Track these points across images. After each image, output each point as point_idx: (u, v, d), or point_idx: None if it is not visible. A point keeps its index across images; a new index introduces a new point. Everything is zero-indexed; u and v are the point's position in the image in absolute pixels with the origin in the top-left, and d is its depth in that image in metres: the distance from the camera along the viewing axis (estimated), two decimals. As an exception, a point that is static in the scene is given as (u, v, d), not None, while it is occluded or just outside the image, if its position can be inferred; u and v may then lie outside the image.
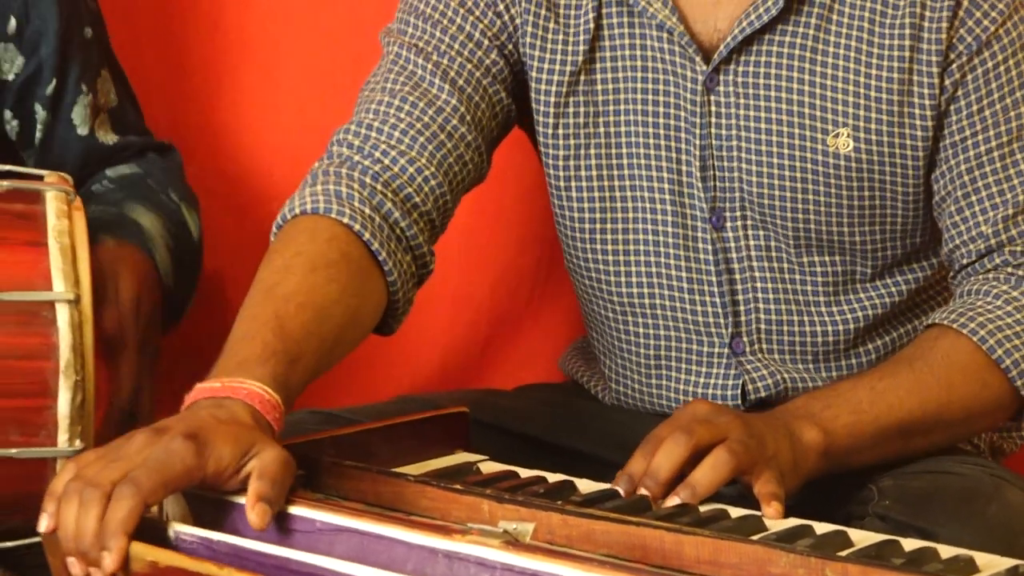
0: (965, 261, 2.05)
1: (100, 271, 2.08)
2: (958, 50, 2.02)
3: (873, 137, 2.04)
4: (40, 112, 2.26)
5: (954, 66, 2.02)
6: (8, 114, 2.26)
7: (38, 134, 2.27)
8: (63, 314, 1.87)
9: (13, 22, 2.21)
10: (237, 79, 2.55)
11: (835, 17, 2.05)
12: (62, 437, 1.86)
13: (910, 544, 1.60)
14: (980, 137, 2.04)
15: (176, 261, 2.25)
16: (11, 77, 2.24)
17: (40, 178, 1.99)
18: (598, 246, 2.15)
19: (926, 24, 2.02)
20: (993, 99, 2.03)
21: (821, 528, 1.65)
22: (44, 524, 1.57)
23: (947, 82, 2.03)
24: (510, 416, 2.18)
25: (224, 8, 2.54)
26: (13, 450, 1.86)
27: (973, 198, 2.04)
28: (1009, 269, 2.03)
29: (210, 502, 1.61)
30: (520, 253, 2.51)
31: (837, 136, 2.04)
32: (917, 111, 2.04)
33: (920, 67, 2.03)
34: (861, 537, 1.63)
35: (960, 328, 1.96)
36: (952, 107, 2.03)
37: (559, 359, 2.37)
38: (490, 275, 2.55)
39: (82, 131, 2.29)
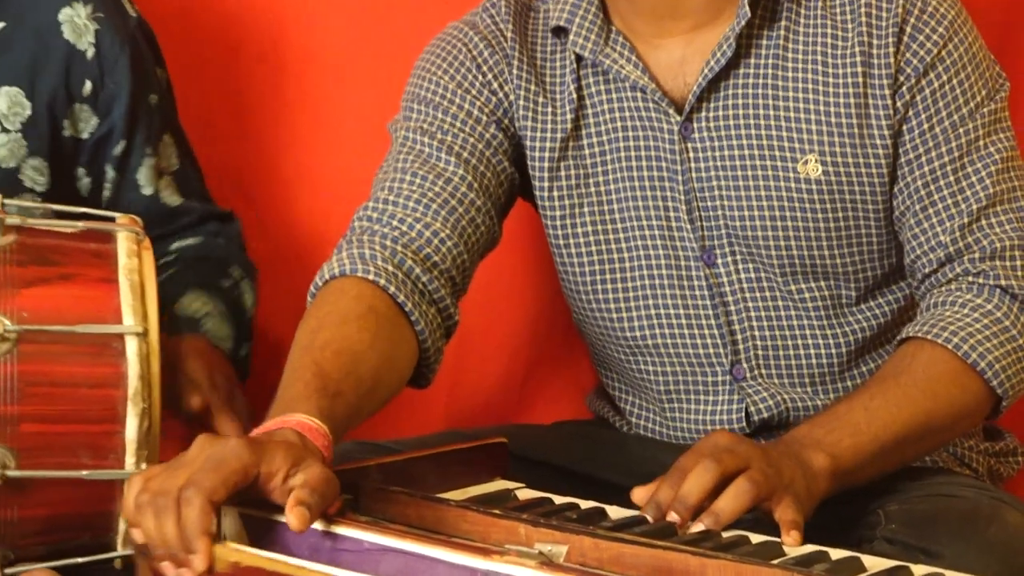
0: (927, 270, 2.06)
1: (168, 365, 2.08)
2: (906, 72, 2.05)
3: (839, 160, 2.06)
4: (109, 172, 2.28)
5: (903, 88, 2.04)
6: (81, 171, 2.28)
7: (107, 192, 2.29)
8: (132, 346, 1.88)
9: (89, 85, 2.23)
10: (296, 148, 2.56)
11: (790, 54, 2.07)
12: (129, 460, 1.88)
13: (920, 570, 1.61)
14: (933, 153, 2.05)
15: (233, 327, 2.27)
16: (86, 136, 2.26)
17: (112, 220, 2.01)
18: (600, 295, 2.17)
19: (874, 51, 2.05)
20: (942, 116, 2.05)
21: (836, 554, 1.66)
22: (136, 537, 1.59)
23: (899, 103, 2.05)
24: (545, 448, 2.19)
25: (285, 79, 2.55)
26: (84, 472, 1.87)
27: (930, 210, 2.06)
28: (970, 278, 2.04)
29: (263, 523, 1.63)
30: (551, 302, 2.49)
31: (806, 163, 2.06)
32: (876, 131, 2.05)
33: (873, 91, 2.05)
34: (874, 563, 1.64)
35: (935, 339, 1.97)
36: (905, 127, 2.05)
37: (587, 398, 2.38)
38: (526, 322, 2.55)
39: (147, 191, 2.30)
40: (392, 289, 1.93)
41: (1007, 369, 1.99)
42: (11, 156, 2.20)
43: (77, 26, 2.21)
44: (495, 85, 2.14)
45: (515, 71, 2.14)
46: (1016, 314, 2.02)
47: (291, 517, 1.56)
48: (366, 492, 1.73)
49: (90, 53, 2.22)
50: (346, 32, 2.54)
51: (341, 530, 1.61)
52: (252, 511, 1.63)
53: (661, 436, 2.20)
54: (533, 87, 2.14)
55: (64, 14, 2.21)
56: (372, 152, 2.40)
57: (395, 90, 2.39)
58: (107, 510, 1.87)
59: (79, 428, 1.88)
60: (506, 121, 2.14)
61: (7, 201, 1.95)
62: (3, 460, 1.86)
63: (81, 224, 1.98)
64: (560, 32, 2.12)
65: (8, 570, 1.90)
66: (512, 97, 2.14)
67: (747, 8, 2.03)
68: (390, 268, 1.95)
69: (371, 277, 1.93)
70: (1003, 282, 2.02)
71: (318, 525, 1.61)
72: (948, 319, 2.00)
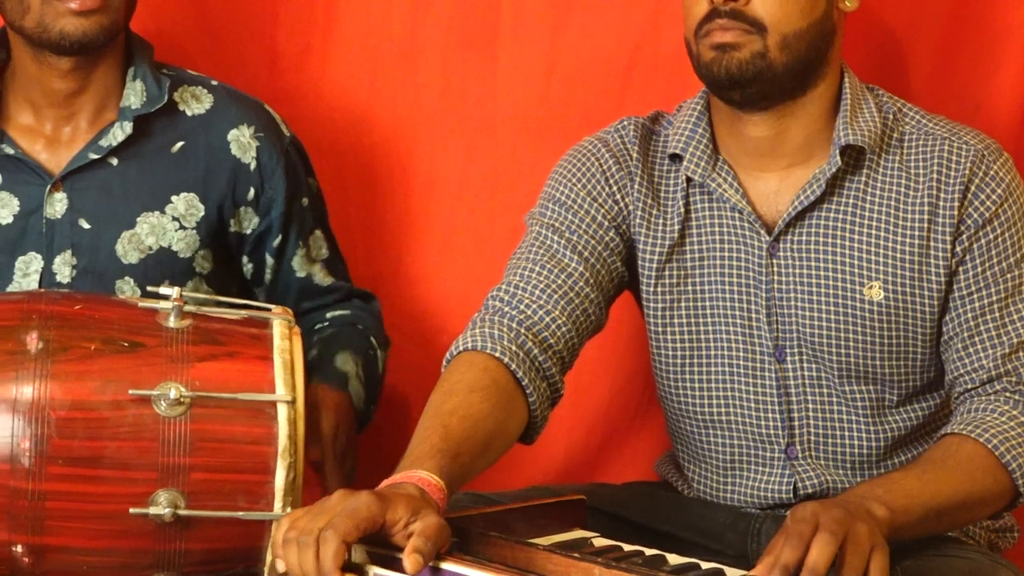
0: (969, 387, 2.05)
1: (309, 406, 2.10)
2: (966, 223, 2.04)
3: (899, 289, 2.06)
4: (269, 260, 2.31)
5: (963, 236, 2.04)
6: (245, 259, 2.32)
7: (268, 275, 2.32)
8: (282, 411, 1.92)
9: (252, 192, 2.27)
10: (423, 238, 2.56)
11: (868, 196, 2.07)
12: (278, 504, 1.90)
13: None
14: (983, 292, 2.05)
15: (367, 390, 2.28)
16: (249, 232, 2.29)
17: (268, 310, 2.03)
18: (686, 378, 2.16)
19: (941, 202, 2.05)
20: (993, 263, 2.05)
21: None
22: (279, 567, 1.64)
23: (957, 248, 2.04)
24: (618, 504, 2.18)
25: (413, 179, 2.54)
26: (241, 513, 1.90)
27: (976, 339, 2.05)
28: (1007, 394, 2.03)
29: (387, 558, 1.65)
30: (629, 381, 2.51)
31: (871, 288, 2.06)
32: (933, 269, 2.05)
33: (936, 235, 2.05)
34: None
35: (977, 437, 1.97)
36: (961, 268, 2.05)
37: (655, 464, 2.36)
38: (606, 397, 2.53)
39: (300, 274, 2.33)
40: (513, 366, 1.94)
41: None
42: (187, 248, 2.24)
43: (242, 144, 2.25)
44: (618, 196, 2.13)
45: (636, 186, 2.13)
46: None
47: (407, 561, 1.60)
48: (471, 536, 1.74)
49: (252, 165, 2.26)
50: (464, 154, 2.53)
51: (449, 566, 1.64)
52: (378, 549, 1.65)
53: (717, 499, 2.18)
54: (649, 200, 2.12)
55: (232, 135, 2.25)
56: (483, 257, 2.47)
57: (502, 199, 2.48)
58: (257, 545, 1.91)
59: (238, 477, 1.91)
60: (623, 227, 2.13)
61: (185, 293, 1.97)
62: (175, 501, 1.89)
63: (244, 312, 2.02)
64: (675, 158, 2.12)
65: (175, 593, 1.92)
66: (631, 207, 2.13)
67: (838, 158, 2.04)
68: (513, 347, 1.96)
69: (497, 354, 1.94)
70: None
71: (432, 563, 1.64)
72: (988, 423, 1.99)
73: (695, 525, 2.08)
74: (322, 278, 2.36)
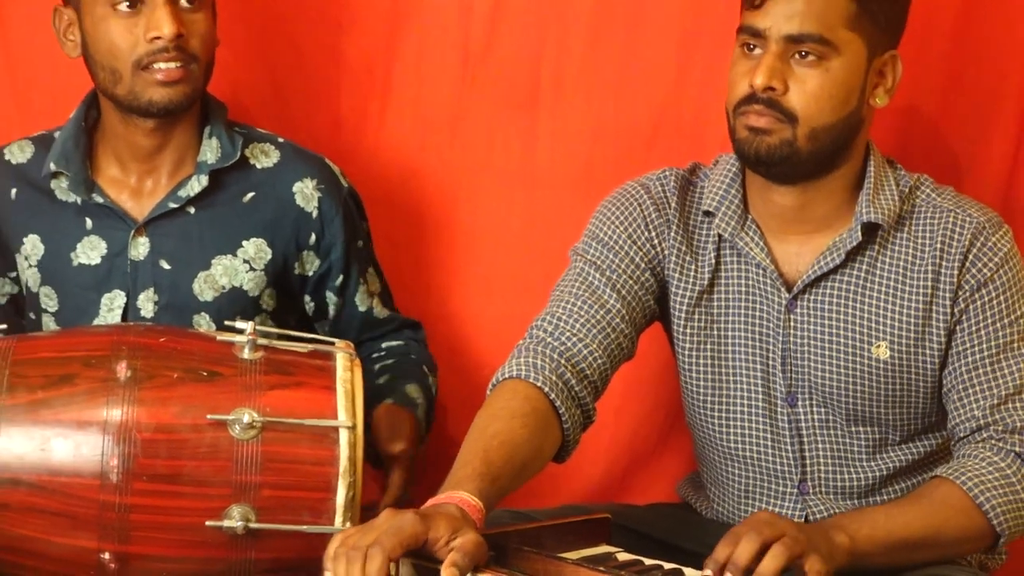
0: (962, 434, 2.04)
1: (388, 417, 2.17)
2: (964, 288, 2.03)
3: (904, 348, 2.05)
4: (332, 297, 2.31)
5: (960, 299, 2.04)
6: (307, 298, 2.32)
7: (332, 311, 2.32)
8: (344, 436, 1.92)
9: (314, 237, 2.28)
10: (466, 280, 2.56)
11: (879, 263, 2.06)
12: (338, 519, 1.91)
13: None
14: (976, 348, 2.04)
15: (427, 416, 2.30)
16: (311, 273, 2.30)
17: (332, 343, 2.04)
18: (710, 413, 2.15)
19: (943, 269, 2.04)
20: (987, 322, 2.04)
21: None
22: None
23: (955, 310, 2.04)
24: (641, 522, 2.18)
25: (457, 228, 2.54)
26: (305, 527, 1.91)
27: (969, 391, 2.04)
28: (992, 441, 2.01)
29: (430, 571, 1.66)
30: (654, 410, 2.50)
31: (878, 347, 2.05)
32: (935, 330, 2.05)
33: (938, 299, 2.04)
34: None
35: (955, 479, 1.97)
36: (958, 327, 2.04)
37: (676, 486, 2.36)
38: (632, 425, 2.52)
39: (362, 308, 2.34)
40: (552, 396, 1.94)
41: (1007, 514, 1.97)
42: (255, 287, 2.25)
43: (305, 195, 2.26)
44: (656, 241, 2.11)
45: (672, 233, 2.10)
46: (1022, 474, 1.99)
47: (445, 574, 1.61)
48: (506, 551, 1.75)
49: (315, 214, 2.26)
50: (504, 206, 2.53)
51: None
52: (423, 562, 1.67)
53: (733, 521, 2.16)
54: (684, 248, 2.10)
55: (296, 186, 2.26)
56: (519, 299, 2.46)
57: (537, 246, 2.48)
58: (318, 556, 1.75)
59: (303, 494, 1.92)
60: (658, 269, 2.11)
61: (258, 327, 1.99)
62: (247, 515, 1.90)
63: (310, 346, 2.02)
64: (709, 214, 2.10)
65: (244, 596, 1.92)
66: (666, 252, 2.11)
67: (859, 233, 2.03)
68: (553, 377, 1.95)
69: (538, 384, 1.94)
70: (1018, 449, 2.00)
71: (470, 574, 1.64)
72: (969, 468, 1.98)
73: (712, 542, 1.98)
74: (379, 311, 2.37)
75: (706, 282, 2.11)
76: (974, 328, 2.04)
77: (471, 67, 2.49)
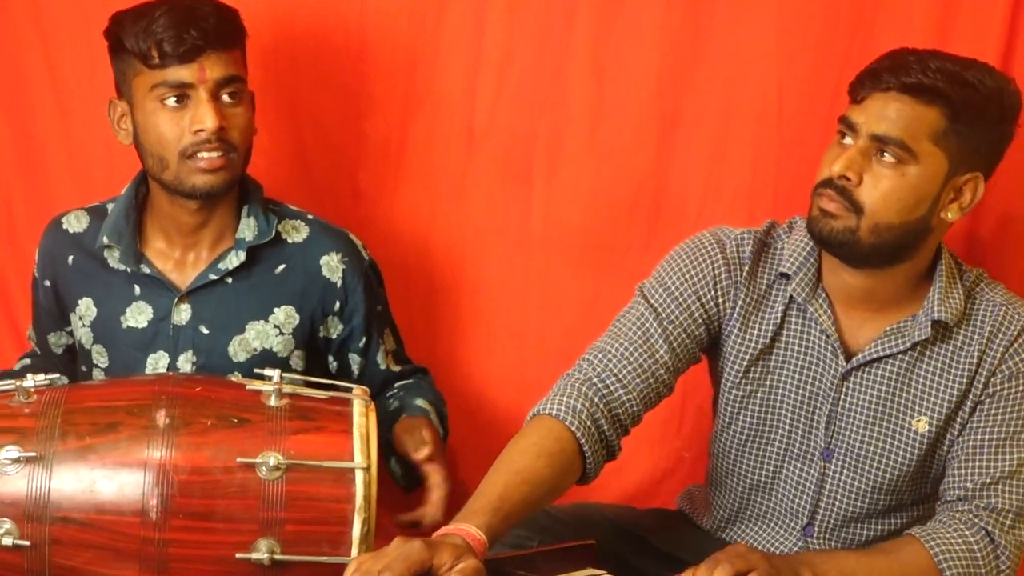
0: (947, 499, 1.99)
1: (408, 429, 2.12)
2: (998, 375, 1.98)
3: (941, 423, 2.00)
4: (355, 358, 2.29)
5: (992, 383, 1.98)
6: (331, 359, 2.30)
7: (355, 370, 2.29)
8: (359, 476, 1.91)
9: (338, 304, 2.25)
10: (470, 333, 2.54)
11: (934, 351, 2.00)
12: (354, 550, 1.90)
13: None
14: (989, 428, 1.99)
15: (440, 418, 2.25)
16: (334, 336, 2.28)
17: (349, 390, 2.02)
18: (746, 451, 2.10)
19: (987, 358, 1.99)
20: (1005, 409, 1.99)
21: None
22: None
23: (985, 392, 1.99)
24: (641, 527, 2.16)
25: (463, 286, 2.53)
26: (324, 557, 1.90)
27: (968, 464, 1.99)
28: (970, 515, 1.96)
29: None
30: (663, 425, 2.46)
31: (919, 421, 2.01)
32: (967, 409, 2.00)
33: (977, 381, 1.99)
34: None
35: (924, 542, 1.93)
36: (979, 406, 1.99)
37: (678, 496, 2.30)
38: (642, 436, 2.30)
39: (382, 367, 2.32)
40: (582, 440, 1.90)
41: None
42: (284, 349, 2.23)
43: (331, 267, 2.24)
44: (720, 300, 2.03)
45: (741, 295, 2.02)
46: (987, 552, 1.94)
47: None
48: (503, 575, 1.76)
49: (339, 284, 2.24)
50: (504, 266, 2.51)
51: None
52: None
53: (730, 539, 2.14)
54: (750, 307, 2.03)
55: (323, 260, 2.24)
56: (518, 350, 2.45)
57: (533, 303, 2.45)
58: None
59: (322, 528, 1.91)
60: (715, 325, 2.04)
61: (284, 375, 1.97)
62: (272, 548, 1.89)
63: (330, 393, 2.01)
64: (784, 276, 2.03)
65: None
66: (729, 310, 2.03)
67: (928, 329, 1.97)
68: (588, 423, 1.91)
69: (572, 428, 1.90)
70: (990, 527, 1.95)
71: None
72: (941, 534, 1.93)
73: (700, 552, 1.99)
74: (394, 367, 2.35)
75: (768, 339, 2.04)
76: (993, 411, 1.99)
77: (474, 145, 2.50)
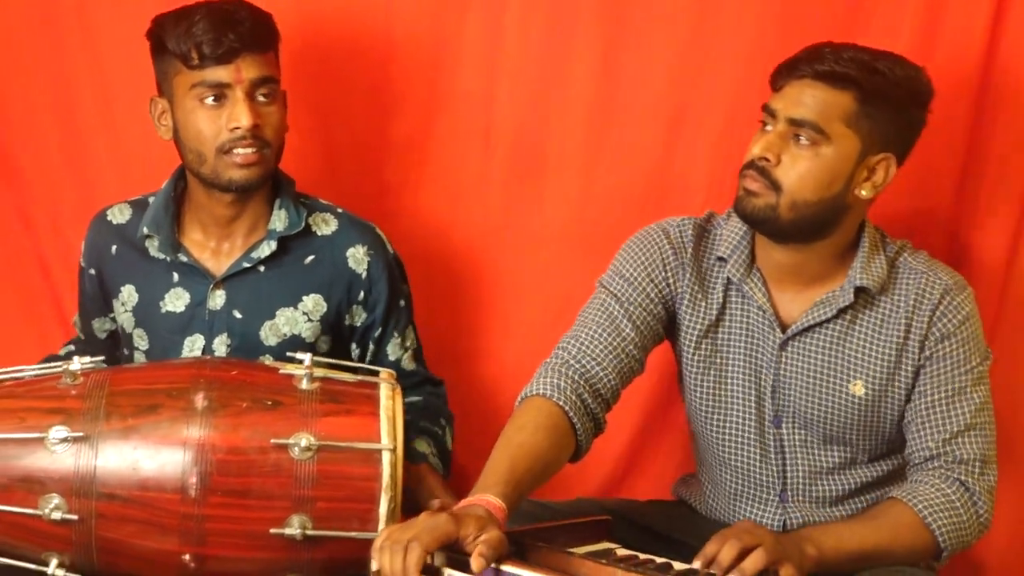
0: (917, 461, 2.02)
1: (415, 486, 2.12)
2: (931, 339, 2.01)
3: (877, 386, 2.03)
4: (371, 346, 2.29)
5: (927, 347, 2.01)
6: (353, 345, 2.30)
7: (369, 357, 2.29)
8: (386, 456, 1.92)
9: (362, 294, 2.25)
10: (488, 325, 2.54)
11: (860, 318, 2.03)
12: (381, 526, 1.90)
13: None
14: (936, 390, 2.02)
15: (442, 461, 2.24)
16: (358, 324, 2.28)
17: (376, 374, 2.04)
18: (711, 426, 2.13)
19: (915, 322, 2.01)
20: (947, 369, 2.02)
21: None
22: (374, 566, 1.67)
23: (922, 356, 2.02)
24: (643, 516, 2.19)
25: (481, 279, 2.52)
26: (353, 533, 1.91)
27: (926, 425, 2.02)
28: (943, 470, 1.99)
29: (461, 561, 1.67)
30: (654, 420, 2.48)
31: (855, 385, 2.03)
32: (903, 372, 2.03)
33: (908, 346, 2.02)
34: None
35: (907, 501, 1.96)
36: (922, 370, 2.02)
37: (672, 486, 2.32)
38: (635, 433, 2.48)
39: (392, 358, 2.30)
40: (571, 414, 1.93)
41: (950, 533, 1.95)
42: (312, 335, 2.23)
43: (357, 259, 2.25)
44: (671, 280, 2.07)
45: (687, 275, 2.07)
46: (964, 500, 1.97)
47: (473, 563, 1.64)
48: (524, 546, 1.76)
49: (364, 275, 2.25)
50: (519, 259, 2.51)
51: (508, 568, 1.68)
52: (454, 555, 1.69)
53: (724, 520, 2.15)
54: (696, 287, 2.07)
55: (350, 251, 2.24)
56: (534, 340, 2.41)
57: (548, 295, 2.45)
58: (365, 556, 1.81)
59: (351, 505, 1.92)
60: (670, 304, 2.07)
61: (315, 358, 1.98)
62: (304, 524, 1.90)
63: (359, 377, 2.03)
64: (721, 259, 2.07)
65: (304, 590, 1.94)
66: (679, 290, 2.07)
67: (852, 295, 2.00)
68: (573, 397, 1.94)
69: (560, 403, 1.93)
70: (962, 478, 1.98)
71: (493, 565, 1.66)
72: (920, 492, 1.96)
73: (705, 537, 2.02)
74: (407, 363, 2.33)
75: (713, 317, 2.08)
76: (936, 373, 2.02)
77: (492, 143, 2.50)
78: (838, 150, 1.94)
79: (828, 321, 2.03)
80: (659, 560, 1.82)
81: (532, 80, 2.46)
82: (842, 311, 2.03)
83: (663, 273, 2.08)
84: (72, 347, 2.40)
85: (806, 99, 1.94)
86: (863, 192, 1.98)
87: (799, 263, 2.03)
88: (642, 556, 1.84)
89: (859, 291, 2.02)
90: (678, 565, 1.81)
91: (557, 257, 2.49)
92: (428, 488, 2.14)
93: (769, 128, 1.98)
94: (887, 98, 1.94)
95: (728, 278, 2.07)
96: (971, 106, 2.32)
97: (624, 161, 2.45)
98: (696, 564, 1.74)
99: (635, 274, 2.08)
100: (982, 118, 2.32)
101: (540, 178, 2.49)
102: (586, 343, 2.02)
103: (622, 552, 1.87)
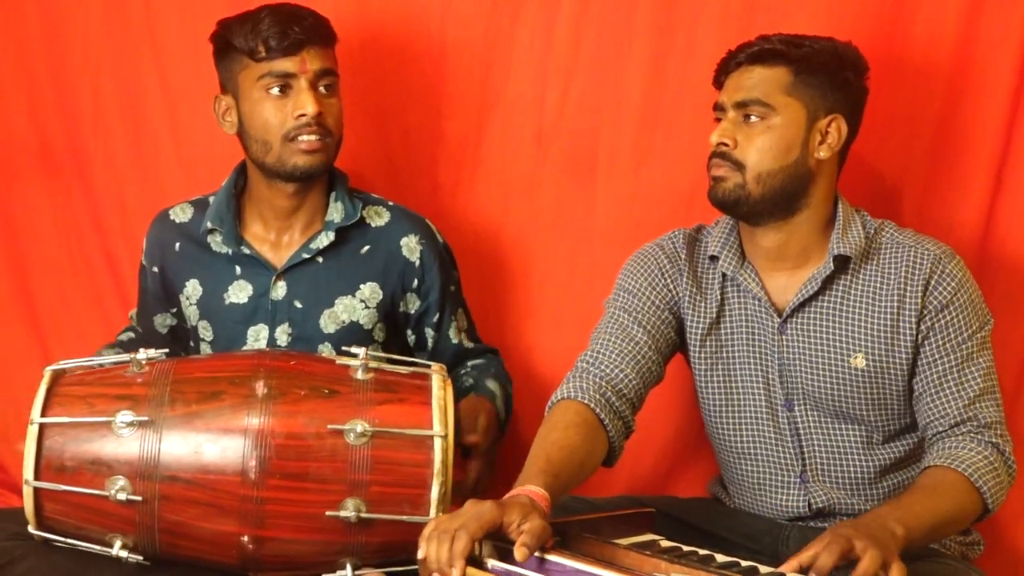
0: (940, 430, 2.00)
1: (469, 410, 2.14)
2: (928, 309, 2.01)
3: (877, 358, 2.03)
4: (430, 332, 2.31)
5: (926, 318, 2.01)
6: (409, 332, 2.32)
7: (430, 344, 2.31)
8: (438, 443, 1.93)
9: (416, 282, 2.27)
10: (539, 317, 2.53)
11: (852, 289, 2.04)
12: (432, 510, 1.92)
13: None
14: (945, 359, 2.01)
15: (505, 408, 2.29)
16: (412, 311, 2.29)
17: (428, 366, 2.04)
18: (724, 421, 2.14)
19: (907, 294, 2.02)
20: (951, 337, 2.01)
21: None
22: (421, 554, 1.68)
23: (921, 327, 2.01)
24: (683, 512, 2.19)
25: (532, 274, 2.52)
26: (405, 516, 1.92)
27: (941, 394, 2.01)
28: (972, 434, 1.99)
29: (506, 550, 1.68)
30: (689, 423, 2.45)
31: (856, 358, 2.03)
32: (902, 344, 2.02)
33: (904, 318, 2.02)
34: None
35: (956, 467, 1.94)
36: (925, 342, 2.01)
37: (707, 484, 2.33)
38: (671, 434, 2.48)
39: (454, 341, 2.33)
40: (598, 411, 1.96)
41: (995, 491, 1.95)
42: (369, 322, 2.25)
43: (410, 248, 2.26)
44: (671, 286, 2.11)
45: (684, 279, 2.11)
46: (1000, 462, 1.97)
47: (516, 553, 1.64)
48: (569, 536, 1.76)
49: (417, 263, 2.26)
50: (571, 256, 2.50)
51: (552, 558, 1.68)
52: (499, 543, 1.70)
53: (751, 510, 2.16)
54: (694, 289, 2.11)
55: (403, 241, 2.26)
56: (583, 333, 2.29)
57: (598, 290, 2.34)
58: (414, 540, 1.78)
59: (404, 490, 1.93)
60: (675, 308, 2.11)
61: (370, 352, 2.00)
62: (359, 507, 1.91)
63: (411, 368, 2.04)
64: (714, 258, 2.11)
65: (356, 572, 1.95)
66: (680, 294, 2.11)
67: (832, 263, 2.02)
68: (598, 396, 1.97)
69: (587, 402, 1.96)
70: (994, 440, 1.98)
71: (537, 554, 1.67)
72: (962, 457, 1.95)
73: (739, 531, 2.04)
74: (467, 343, 2.36)
75: (714, 315, 2.10)
76: (941, 342, 2.01)
77: (543, 144, 2.50)
78: (786, 118, 1.99)
79: (818, 297, 2.04)
80: (702, 552, 1.81)
81: (583, 82, 2.46)
82: (829, 284, 2.03)
83: (663, 280, 2.11)
84: (132, 334, 2.41)
85: (745, 82, 2.01)
86: (821, 154, 2.01)
87: (783, 243, 2.05)
88: (685, 548, 1.83)
89: (841, 261, 2.03)
90: (720, 557, 1.80)
91: (606, 256, 2.45)
92: (475, 424, 2.13)
93: (721, 120, 2.03)
94: (819, 65, 2.00)
95: (723, 274, 2.09)
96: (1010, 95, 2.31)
97: (673, 161, 2.43)
98: (785, 568, 1.71)
99: (638, 286, 2.11)
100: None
101: (590, 178, 2.48)
102: (602, 352, 2.05)
103: (666, 544, 1.87)
